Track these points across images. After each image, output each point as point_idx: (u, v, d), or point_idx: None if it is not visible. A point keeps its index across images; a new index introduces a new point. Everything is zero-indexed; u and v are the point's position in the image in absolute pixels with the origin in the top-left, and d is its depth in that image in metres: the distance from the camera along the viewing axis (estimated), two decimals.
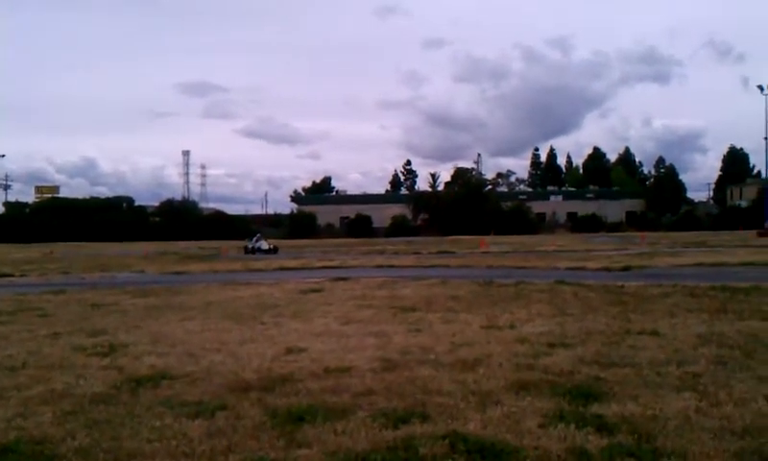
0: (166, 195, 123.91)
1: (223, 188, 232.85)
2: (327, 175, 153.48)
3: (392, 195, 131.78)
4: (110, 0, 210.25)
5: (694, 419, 5.53)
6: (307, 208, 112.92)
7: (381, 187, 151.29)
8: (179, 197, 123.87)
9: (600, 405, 5.98)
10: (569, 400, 6.11)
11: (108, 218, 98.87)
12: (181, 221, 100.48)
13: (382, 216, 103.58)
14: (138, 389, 6.95)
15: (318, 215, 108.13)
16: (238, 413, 5.98)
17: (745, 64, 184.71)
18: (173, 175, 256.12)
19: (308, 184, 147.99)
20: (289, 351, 8.81)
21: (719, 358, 7.79)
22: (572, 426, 5.36)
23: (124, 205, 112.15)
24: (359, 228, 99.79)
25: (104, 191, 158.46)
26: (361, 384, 6.90)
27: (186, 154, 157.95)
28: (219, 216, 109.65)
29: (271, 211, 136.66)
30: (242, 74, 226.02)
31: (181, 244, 67.83)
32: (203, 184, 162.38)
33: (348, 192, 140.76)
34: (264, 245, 49.16)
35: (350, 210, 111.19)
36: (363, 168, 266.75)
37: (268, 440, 5.25)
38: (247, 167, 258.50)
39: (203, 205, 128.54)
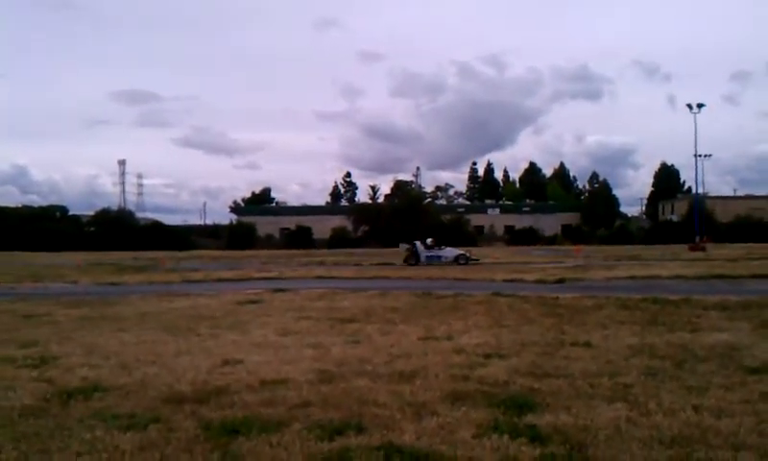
0: (101, 205, 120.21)
1: (160, 198, 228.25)
2: (267, 186, 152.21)
3: (332, 207, 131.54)
4: (46, 5, 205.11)
5: (624, 429, 5.64)
6: (246, 219, 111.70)
7: (321, 199, 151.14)
8: (114, 207, 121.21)
9: (534, 416, 6.06)
10: (504, 411, 6.19)
11: (40, 227, 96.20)
12: (117, 231, 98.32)
13: (323, 228, 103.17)
14: (69, 401, 6.81)
15: (257, 226, 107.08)
16: (171, 426, 5.89)
17: (672, 83, 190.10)
18: (108, 184, 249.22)
19: (247, 195, 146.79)
20: (225, 362, 8.73)
21: (650, 369, 7.98)
22: (506, 437, 5.42)
23: (57, 214, 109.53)
24: (299, 239, 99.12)
25: (36, 200, 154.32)
26: (297, 396, 6.86)
27: (122, 163, 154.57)
28: (156, 226, 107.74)
29: (209, 222, 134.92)
30: (179, 83, 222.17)
31: (117, 255, 66.43)
32: (139, 194, 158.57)
33: (288, 203, 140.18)
34: (451, 253, 40.19)
35: (290, 222, 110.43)
36: (303, 179, 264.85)
37: (201, 453, 5.19)
38: (184, 177, 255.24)
39: (139, 215, 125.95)
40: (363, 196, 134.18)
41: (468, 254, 40.18)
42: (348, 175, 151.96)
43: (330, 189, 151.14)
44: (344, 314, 13.87)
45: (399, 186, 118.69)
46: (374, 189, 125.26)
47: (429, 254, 39.21)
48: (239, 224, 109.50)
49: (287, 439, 5.46)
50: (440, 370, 8.03)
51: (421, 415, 6.12)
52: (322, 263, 41.08)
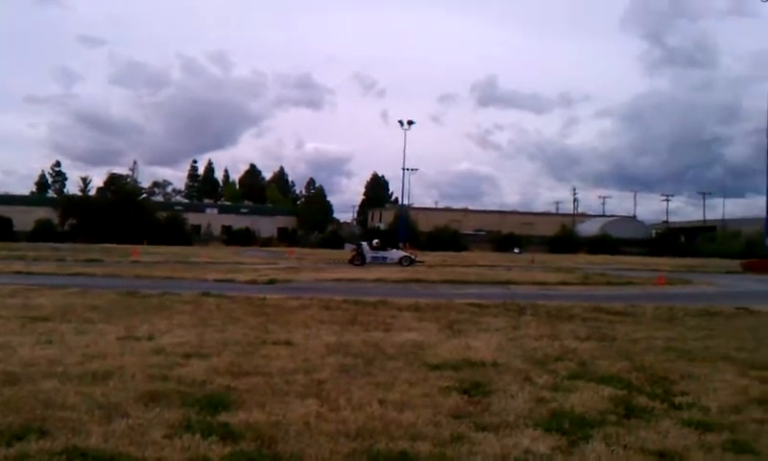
0: None
1: None
2: None
3: (37, 197, 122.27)
4: None
5: (314, 424, 5.88)
6: None
7: (26, 188, 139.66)
8: None
9: (228, 414, 6.12)
10: (198, 410, 6.19)
11: None
12: None
13: (26, 220, 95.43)
14: None
15: None
16: None
17: (386, 99, 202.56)
18: None
19: None
20: None
21: (343, 366, 8.39)
22: (197, 436, 5.42)
23: None
24: None
25: None
26: None
27: None
28: None
29: None
30: None
31: None
32: None
33: None
34: (396, 254, 41.00)
35: None
36: (5, 166, 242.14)
37: None
38: None
39: None
40: (73, 188, 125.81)
41: (412, 256, 41.48)
42: (58, 164, 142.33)
43: (37, 178, 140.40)
44: (38, 312, 12.99)
45: (114, 180, 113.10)
46: (86, 181, 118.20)
47: (374, 255, 40.29)
48: None
49: None
50: (136, 370, 7.81)
51: (112, 417, 5.93)
52: (21, 258, 38.01)
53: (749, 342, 11.41)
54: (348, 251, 45.00)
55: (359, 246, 42.46)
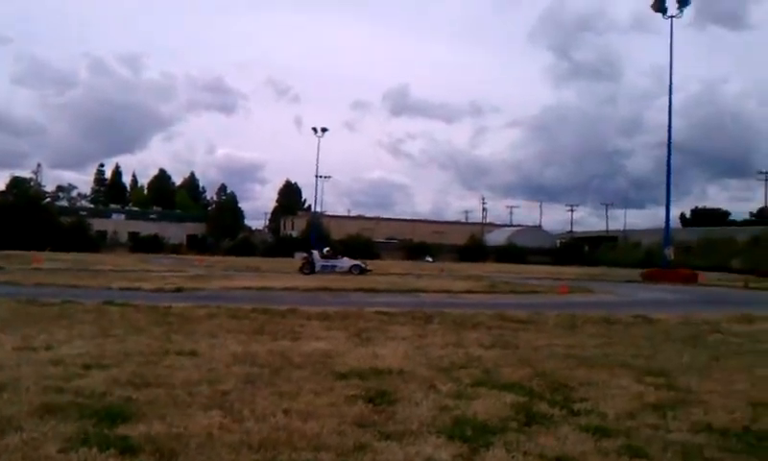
0: None
1: None
2: None
3: None
4: None
5: (217, 435, 5.79)
6: None
7: None
8: None
9: (127, 426, 5.96)
10: (96, 423, 6.00)
11: None
12: None
13: None
14: None
15: None
16: None
17: (300, 105, 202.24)
18: None
19: None
20: None
21: (248, 377, 8.28)
22: (95, 450, 5.27)
23: None
24: None
25: None
26: None
27: None
28: None
29: None
30: None
31: None
32: None
33: None
34: (346, 263, 41.05)
35: None
36: None
37: None
38: None
39: None
40: None
41: (363, 265, 41.75)
42: None
43: None
44: None
45: (16, 183, 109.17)
46: None
47: (324, 264, 40.74)
48: None
49: None
50: (32, 382, 7.52)
51: (5, 431, 5.70)
52: None
53: (645, 349, 11.83)
54: (298, 259, 45.64)
55: (310, 254, 42.93)
